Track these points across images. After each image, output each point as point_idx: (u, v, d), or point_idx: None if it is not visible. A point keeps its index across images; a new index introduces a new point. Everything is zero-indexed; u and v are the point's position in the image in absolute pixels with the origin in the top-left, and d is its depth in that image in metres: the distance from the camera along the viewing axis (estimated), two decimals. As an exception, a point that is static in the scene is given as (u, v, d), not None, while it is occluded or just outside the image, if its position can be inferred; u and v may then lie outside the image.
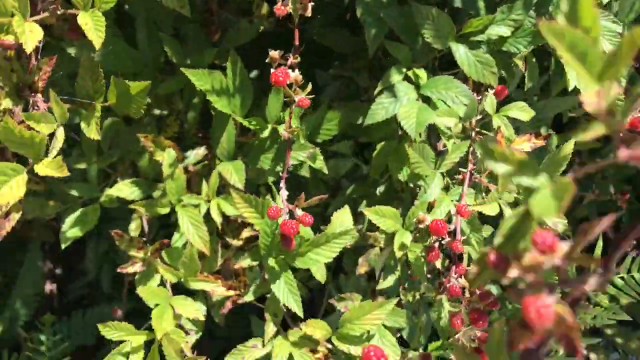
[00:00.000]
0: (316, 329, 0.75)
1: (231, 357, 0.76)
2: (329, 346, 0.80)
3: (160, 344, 0.72)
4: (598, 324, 1.21)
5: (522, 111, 0.79)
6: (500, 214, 0.83)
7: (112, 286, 1.56)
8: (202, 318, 0.80)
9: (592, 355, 1.55)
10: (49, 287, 1.72)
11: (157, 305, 0.72)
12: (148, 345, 0.74)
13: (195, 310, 0.73)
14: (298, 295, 0.75)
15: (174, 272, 0.73)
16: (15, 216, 0.61)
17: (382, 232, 0.83)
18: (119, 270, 0.75)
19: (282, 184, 0.72)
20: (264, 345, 0.77)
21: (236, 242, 0.81)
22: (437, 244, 0.75)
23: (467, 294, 0.72)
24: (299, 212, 0.71)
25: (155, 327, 0.69)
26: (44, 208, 0.82)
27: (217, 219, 0.75)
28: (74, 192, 0.81)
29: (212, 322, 0.91)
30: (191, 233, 0.73)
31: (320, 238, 0.74)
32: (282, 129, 0.72)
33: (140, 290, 0.71)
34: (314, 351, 0.78)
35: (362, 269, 0.84)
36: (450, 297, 0.70)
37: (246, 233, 0.80)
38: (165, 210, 0.74)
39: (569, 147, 0.69)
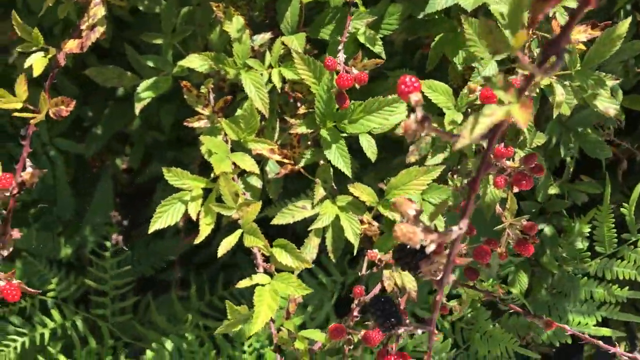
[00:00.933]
0: (364, 193, 0.79)
1: (282, 215, 0.81)
2: (375, 224, 0.83)
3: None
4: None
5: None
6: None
7: (176, 230, 1.64)
8: (259, 185, 0.85)
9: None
10: (116, 237, 1.81)
11: (216, 154, 0.77)
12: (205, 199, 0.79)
13: (252, 164, 0.78)
14: (348, 159, 0.79)
15: (234, 128, 0.78)
16: (100, 29, 0.68)
17: (435, 121, 0.86)
18: (185, 123, 0.81)
19: (340, 47, 0.77)
20: (313, 207, 0.81)
21: (294, 121, 0.86)
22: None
23: (512, 162, 0.74)
24: (355, 72, 0.75)
25: (215, 166, 0.74)
26: (122, 78, 0.89)
27: (278, 84, 0.80)
28: (150, 63, 0.88)
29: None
30: (253, 93, 0.79)
31: (372, 103, 0.77)
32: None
33: (204, 139, 0.77)
34: (360, 222, 0.81)
35: (412, 158, 0.87)
36: (496, 158, 0.72)
37: (303, 110, 0.85)
38: (231, 71, 0.80)
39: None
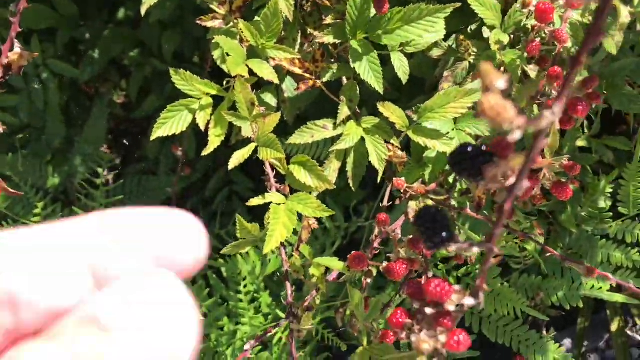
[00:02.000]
0: (394, 114, 0.70)
1: (299, 134, 0.72)
2: (400, 152, 0.75)
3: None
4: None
5: None
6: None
7: (171, 169, 1.56)
8: (274, 103, 0.76)
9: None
10: (107, 176, 1.73)
11: (232, 57, 0.68)
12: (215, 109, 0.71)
13: (271, 72, 0.69)
14: (380, 74, 0.71)
15: (253, 31, 0.69)
16: None
17: (475, 45, 0.77)
18: (197, 21, 0.72)
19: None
20: (335, 128, 0.72)
21: (317, 33, 0.77)
22: (538, 39, 0.69)
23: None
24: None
25: (231, 68, 0.65)
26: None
27: (306, -16, 0.72)
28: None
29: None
30: (277, -8, 0.70)
31: (413, 10, 0.68)
32: None
33: (219, 40, 0.68)
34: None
35: (445, 84, 0.79)
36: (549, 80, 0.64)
37: (329, 20, 0.76)
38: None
39: None
